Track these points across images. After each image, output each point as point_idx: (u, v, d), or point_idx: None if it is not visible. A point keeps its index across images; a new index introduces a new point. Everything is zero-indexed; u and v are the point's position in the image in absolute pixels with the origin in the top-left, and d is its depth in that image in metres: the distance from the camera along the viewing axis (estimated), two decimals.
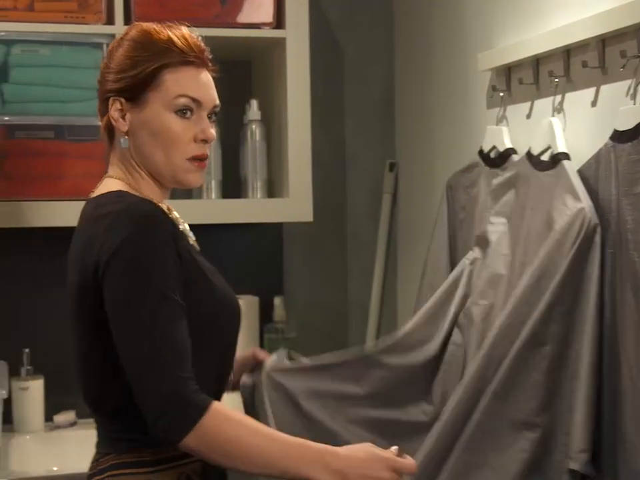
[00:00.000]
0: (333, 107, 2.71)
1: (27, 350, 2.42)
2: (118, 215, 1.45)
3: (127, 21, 2.23)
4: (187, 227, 1.62)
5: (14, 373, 2.39)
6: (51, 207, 2.20)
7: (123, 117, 1.54)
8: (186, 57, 1.52)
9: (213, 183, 2.42)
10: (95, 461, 1.56)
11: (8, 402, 2.25)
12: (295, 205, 2.38)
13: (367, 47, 2.72)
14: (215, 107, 1.56)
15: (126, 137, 1.54)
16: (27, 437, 2.38)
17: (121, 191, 1.53)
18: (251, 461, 1.40)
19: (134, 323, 1.41)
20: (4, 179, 2.19)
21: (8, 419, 2.31)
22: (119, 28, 2.21)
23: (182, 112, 1.52)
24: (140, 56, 1.52)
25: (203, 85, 1.54)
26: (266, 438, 1.40)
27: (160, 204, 1.54)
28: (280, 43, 2.37)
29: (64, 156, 2.23)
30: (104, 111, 1.57)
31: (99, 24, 2.22)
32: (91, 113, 2.22)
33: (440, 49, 2.44)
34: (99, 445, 1.58)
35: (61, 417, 2.45)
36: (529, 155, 1.86)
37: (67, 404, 2.48)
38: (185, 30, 1.57)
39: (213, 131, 1.55)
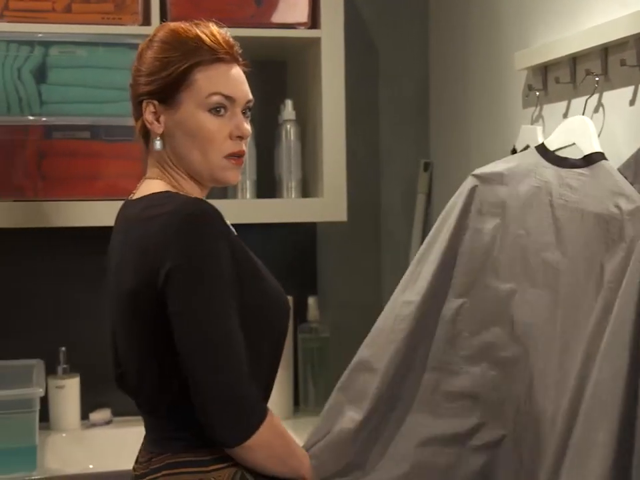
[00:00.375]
0: (368, 107, 2.70)
1: (63, 348, 2.44)
2: (172, 215, 1.45)
3: (163, 21, 2.24)
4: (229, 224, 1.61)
5: (50, 371, 2.41)
6: (86, 206, 2.22)
7: (158, 120, 1.54)
8: (216, 54, 1.52)
9: (248, 182, 2.43)
10: (147, 461, 1.56)
11: (44, 400, 2.27)
12: (329, 205, 2.38)
13: (402, 46, 2.72)
14: (248, 102, 1.56)
15: (160, 140, 1.54)
16: (63, 434, 2.40)
17: (168, 191, 1.53)
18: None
19: (200, 328, 1.41)
20: (40, 178, 2.21)
21: (44, 417, 2.33)
22: (155, 29, 2.22)
23: (215, 110, 1.51)
24: (170, 56, 1.52)
25: (235, 80, 1.54)
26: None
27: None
28: (315, 43, 2.37)
29: (99, 156, 2.24)
30: (138, 114, 1.58)
31: (135, 25, 2.24)
32: (127, 114, 2.24)
33: (475, 48, 2.43)
34: (152, 444, 1.58)
35: (97, 415, 2.47)
36: (541, 148, 1.81)
37: (102, 402, 2.50)
38: (213, 27, 1.57)
39: (248, 127, 1.55)
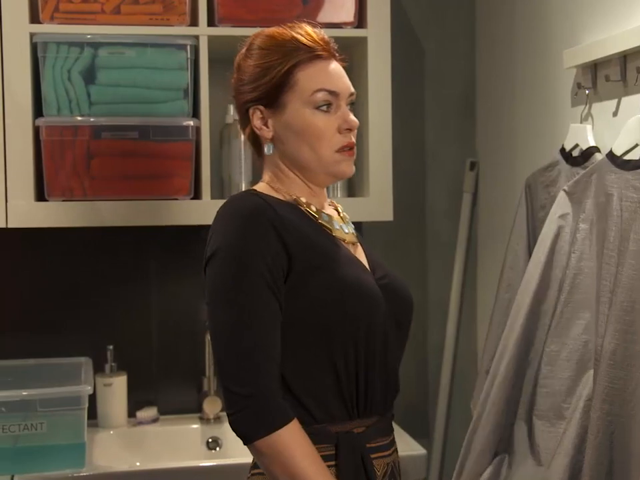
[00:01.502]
0: (414, 106, 2.70)
1: (110, 347, 2.46)
2: (222, 212, 1.52)
3: (211, 22, 2.25)
4: (335, 217, 1.62)
5: (98, 369, 2.43)
6: (134, 206, 2.24)
7: (266, 124, 1.58)
8: (313, 52, 1.55)
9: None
10: None
11: (92, 398, 2.29)
12: (375, 204, 2.37)
13: (448, 44, 2.71)
14: (351, 95, 1.59)
15: (270, 144, 1.58)
16: (111, 432, 2.43)
17: (249, 190, 1.58)
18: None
19: (229, 318, 1.44)
20: (89, 178, 2.23)
21: (92, 414, 2.35)
22: (202, 29, 2.24)
23: (322, 106, 1.54)
24: (270, 61, 1.56)
25: (335, 75, 1.56)
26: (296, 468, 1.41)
27: (303, 200, 1.57)
28: (361, 42, 2.36)
29: (147, 156, 2.25)
30: (245, 122, 1.62)
31: (183, 25, 2.25)
32: (175, 113, 2.27)
33: (523, 46, 2.41)
34: None
35: (144, 413, 2.48)
36: (610, 155, 1.82)
37: (149, 400, 2.52)
38: (307, 27, 1.60)
39: (354, 118, 1.57)
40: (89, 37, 2.20)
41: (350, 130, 1.55)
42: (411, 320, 1.62)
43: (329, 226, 1.58)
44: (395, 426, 1.64)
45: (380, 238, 2.65)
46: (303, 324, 1.47)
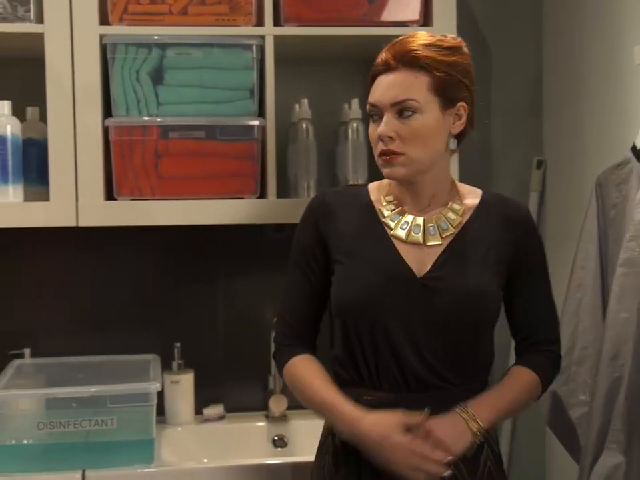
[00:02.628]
0: (480, 105, 2.67)
1: (177, 344, 2.49)
2: None
3: (276, 22, 2.26)
4: (391, 214, 1.77)
5: (166, 366, 2.46)
6: (202, 205, 2.26)
7: None
8: (375, 71, 1.71)
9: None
10: None
11: (160, 395, 2.31)
12: None
13: (515, 43, 2.68)
14: (394, 104, 1.68)
15: None
16: (179, 428, 2.45)
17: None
18: (307, 405, 1.79)
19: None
20: (157, 178, 2.26)
21: (160, 411, 2.37)
22: (268, 29, 2.25)
23: (372, 117, 1.72)
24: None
25: (381, 87, 1.69)
26: (312, 392, 1.75)
27: (389, 198, 1.79)
28: None
29: (214, 155, 2.27)
30: None
31: (249, 26, 2.26)
32: (241, 113, 2.28)
33: (591, 43, 2.38)
34: None
35: (211, 411, 2.51)
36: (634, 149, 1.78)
37: (215, 398, 2.54)
38: (397, 41, 1.71)
39: (383, 128, 1.68)
40: (156, 37, 2.23)
41: (380, 138, 1.69)
42: (451, 318, 1.70)
43: (390, 224, 1.76)
44: None
45: None
46: (332, 299, 1.77)
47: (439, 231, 1.75)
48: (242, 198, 2.28)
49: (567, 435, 2.14)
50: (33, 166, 2.26)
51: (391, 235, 1.75)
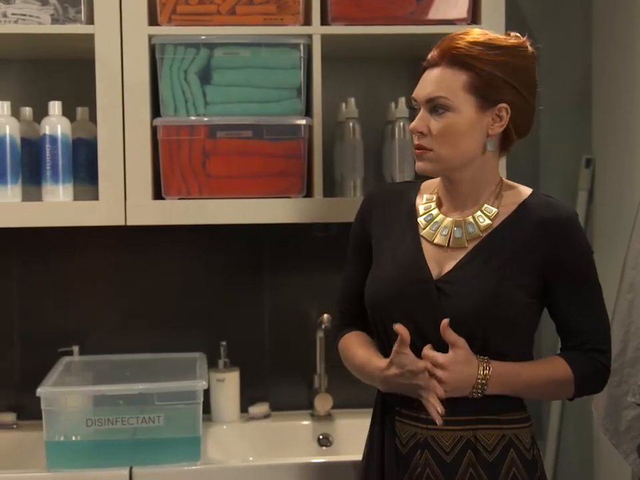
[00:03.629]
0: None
1: (223, 343, 2.50)
2: None
3: (324, 21, 2.26)
4: (426, 213, 1.79)
5: (212, 364, 2.47)
6: (249, 204, 2.26)
7: None
8: (424, 64, 1.72)
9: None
10: None
11: (206, 393, 2.32)
12: None
13: (564, 39, 2.65)
14: (429, 100, 1.68)
15: None
16: (224, 427, 2.46)
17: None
18: (354, 373, 1.84)
19: None
20: (204, 177, 2.27)
21: (206, 409, 2.39)
22: (316, 28, 2.25)
23: (414, 110, 1.74)
24: None
25: (422, 83, 1.71)
26: (354, 358, 1.82)
27: (430, 196, 1.81)
28: None
29: (261, 155, 2.28)
30: None
31: (296, 25, 2.26)
32: (288, 112, 2.29)
33: None
34: None
35: (256, 409, 2.51)
36: None
37: (260, 396, 2.55)
38: (458, 33, 1.70)
39: (414, 123, 1.70)
40: (204, 37, 2.24)
41: (413, 133, 1.71)
42: (458, 323, 1.65)
43: (422, 224, 1.77)
44: None
45: None
46: None
47: (465, 234, 1.72)
48: (288, 197, 2.28)
49: (619, 437, 2.11)
50: (82, 165, 2.28)
51: (421, 235, 1.76)
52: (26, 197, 2.24)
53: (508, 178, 2.36)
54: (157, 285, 2.55)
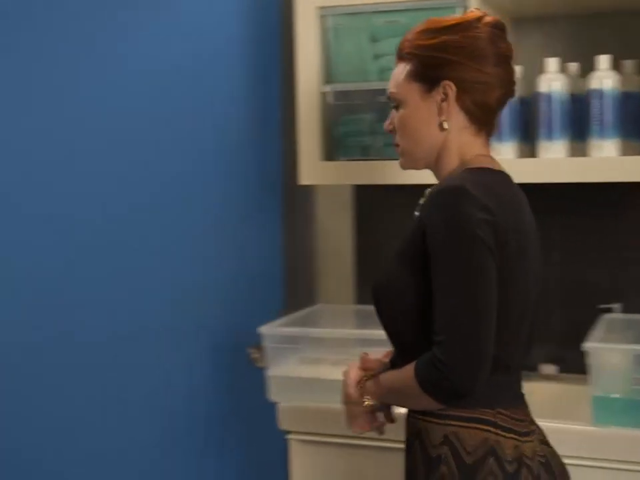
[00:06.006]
0: None
1: None
2: None
3: None
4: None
5: None
6: None
7: None
8: None
9: None
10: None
11: None
12: None
13: None
14: (389, 99, 1.76)
15: None
16: None
17: None
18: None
19: None
20: None
21: None
22: None
23: None
24: None
25: None
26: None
27: None
28: None
29: None
30: None
31: None
32: None
33: None
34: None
35: None
36: None
37: None
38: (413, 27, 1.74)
39: (387, 121, 1.78)
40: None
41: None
42: (376, 305, 1.72)
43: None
44: None
45: None
46: None
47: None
48: None
49: None
50: (629, 120, 2.23)
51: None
52: (572, 152, 2.25)
53: None
54: None
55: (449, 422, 1.63)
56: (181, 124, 2.36)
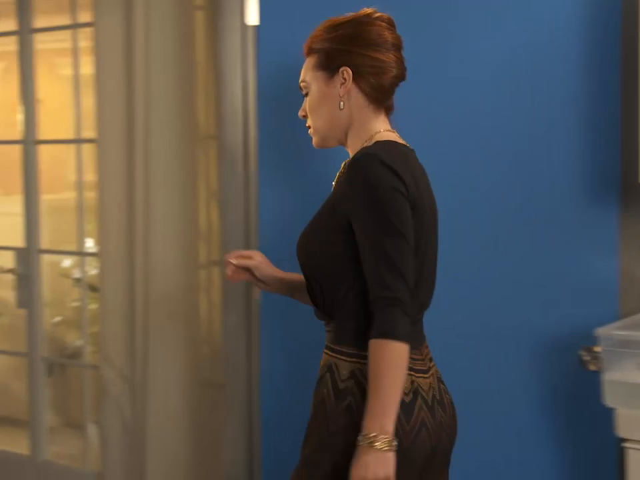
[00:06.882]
0: None
1: None
2: None
3: None
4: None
5: None
6: None
7: None
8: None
9: None
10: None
11: None
12: None
13: None
14: (300, 88, 2.07)
15: None
16: None
17: None
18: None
19: None
20: None
21: None
22: None
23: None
24: None
25: None
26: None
27: None
28: None
29: None
30: None
31: None
32: None
33: None
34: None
35: None
36: None
37: None
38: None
39: (300, 110, 2.08)
40: None
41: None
42: (300, 259, 2.00)
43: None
44: None
45: None
46: None
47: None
48: None
49: None
50: None
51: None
52: None
53: None
54: None
55: (355, 360, 1.90)
56: (528, 120, 2.46)
